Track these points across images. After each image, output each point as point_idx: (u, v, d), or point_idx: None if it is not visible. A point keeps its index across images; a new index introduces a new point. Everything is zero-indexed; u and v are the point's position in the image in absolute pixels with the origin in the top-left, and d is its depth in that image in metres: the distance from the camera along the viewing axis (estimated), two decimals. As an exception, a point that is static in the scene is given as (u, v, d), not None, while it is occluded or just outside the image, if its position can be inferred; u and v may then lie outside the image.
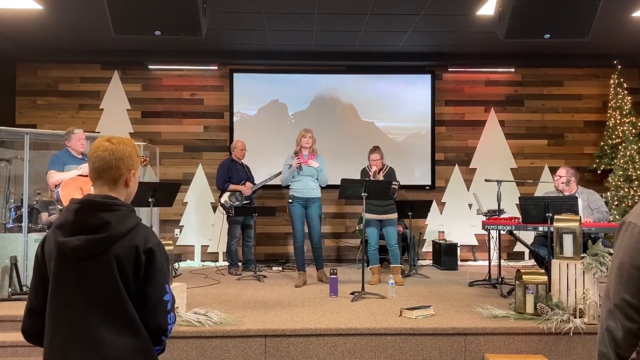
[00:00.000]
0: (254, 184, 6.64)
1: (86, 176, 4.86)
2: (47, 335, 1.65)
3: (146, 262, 1.64)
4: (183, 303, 4.22)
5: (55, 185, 4.77)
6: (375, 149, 5.87)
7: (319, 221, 5.71)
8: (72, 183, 4.77)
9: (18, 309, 4.51)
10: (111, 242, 1.62)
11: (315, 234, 5.68)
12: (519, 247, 7.38)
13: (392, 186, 5.70)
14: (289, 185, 5.78)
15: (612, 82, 7.45)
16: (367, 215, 5.78)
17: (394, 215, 5.83)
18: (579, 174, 5.51)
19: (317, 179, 5.70)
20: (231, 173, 6.50)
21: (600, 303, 3.85)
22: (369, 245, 5.86)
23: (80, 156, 5.08)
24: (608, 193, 6.94)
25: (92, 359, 1.60)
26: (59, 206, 4.88)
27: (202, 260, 7.42)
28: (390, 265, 5.86)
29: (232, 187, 6.46)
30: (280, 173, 6.36)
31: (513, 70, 7.66)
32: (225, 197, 6.45)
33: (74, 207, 1.66)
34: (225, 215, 6.52)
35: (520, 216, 5.06)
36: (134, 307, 1.64)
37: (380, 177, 5.73)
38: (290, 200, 5.69)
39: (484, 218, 5.66)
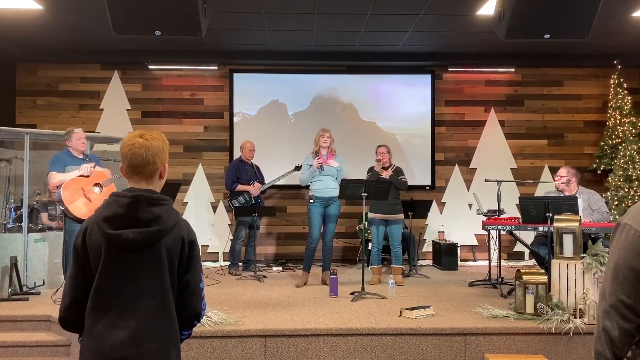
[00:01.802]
0: (263, 183, 6.66)
1: (87, 176, 4.86)
2: (88, 322, 1.69)
3: (188, 252, 1.77)
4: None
5: (57, 187, 4.76)
6: (382, 145, 6.00)
7: (336, 220, 5.72)
8: (73, 184, 4.76)
9: (18, 309, 4.52)
10: (162, 235, 1.71)
11: (330, 232, 5.69)
12: (519, 247, 7.38)
13: (402, 180, 5.72)
14: (308, 185, 5.78)
15: (612, 82, 7.44)
16: (372, 215, 5.78)
17: (400, 216, 5.81)
18: (579, 174, 5.51)
19: (336, 179, 5.69)
20: (239, 173, 6.52)
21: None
22: (372, 245, 5.85)
23: (81, 156, 5.04)
24: (608, 193, 6.94)
25: (129, 347, 1.65)
26: (60, 207, 4.87)
27: (202, 261, 7.41)
28: (392, 265, 5.86)
29: (240, 187, 6.48)
30: (287, 174, 6.42)
31: (513, 70, 7.66)
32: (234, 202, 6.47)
33: (125, 201, 1.70)
34: (234, 216, 6.54)
35: (520, 216, 5.06)
36: (173, 295, 1.74)
37: (390, 172, 5.74)
38: (311, 200, 5.65)
39: (484, 218, 5.66)
